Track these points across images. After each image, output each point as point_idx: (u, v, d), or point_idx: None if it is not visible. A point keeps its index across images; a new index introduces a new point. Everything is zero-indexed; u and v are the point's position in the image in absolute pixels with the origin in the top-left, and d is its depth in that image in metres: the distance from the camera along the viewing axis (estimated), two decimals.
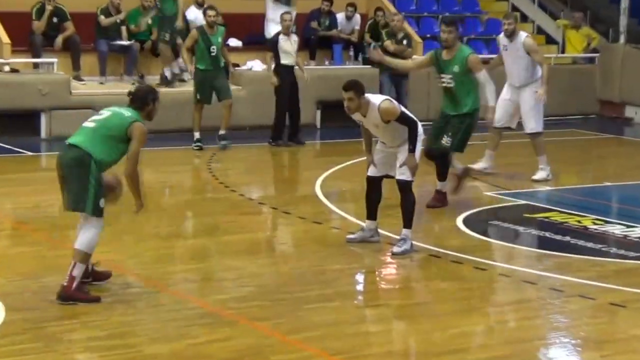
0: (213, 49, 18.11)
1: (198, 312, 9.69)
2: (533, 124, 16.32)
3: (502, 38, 16.61)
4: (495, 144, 16.65)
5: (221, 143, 18.32)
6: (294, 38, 18.95)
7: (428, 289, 11.01)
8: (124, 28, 21.20)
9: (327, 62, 22.39)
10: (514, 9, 26.58)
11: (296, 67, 19.09)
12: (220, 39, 18.39)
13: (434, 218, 14.06)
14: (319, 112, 21.53)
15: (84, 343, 8.58)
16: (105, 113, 9.96)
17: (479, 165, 16.54)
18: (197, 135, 18.43)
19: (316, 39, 22.41)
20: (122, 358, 8.22)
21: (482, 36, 24.53)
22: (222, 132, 18.38)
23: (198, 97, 18.39)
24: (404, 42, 20.83)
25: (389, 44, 20.56)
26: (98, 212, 9.50)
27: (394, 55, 19.53)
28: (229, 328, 9.19)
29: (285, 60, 18.78)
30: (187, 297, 10.18)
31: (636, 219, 13.85)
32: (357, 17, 22.48)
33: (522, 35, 16.47)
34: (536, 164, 16.42)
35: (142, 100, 9.97)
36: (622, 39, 24.54)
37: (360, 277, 11.58)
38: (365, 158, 12.31)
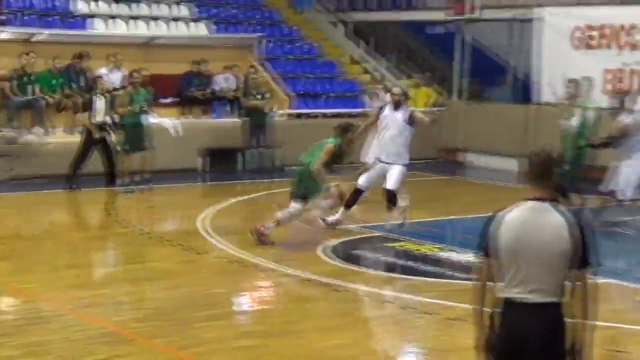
0: (136, 106, 17.85)
1: (101, 332, 9.58)
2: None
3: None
4: None
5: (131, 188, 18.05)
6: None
7: (299, 308, 11.01)
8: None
9: (209, 116, 22.31)
10: (375, 69, 26.88)
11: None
12: (142, 98, 18.07)
13: (303, 246, 14.02)
14: (201, 159, 21.32)
15: None
16: None
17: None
18: (127, 179, 18.10)
19: (191, 97, 22.22)
20: None
21: (342, 93, 24.70)
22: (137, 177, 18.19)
23: (127, 147, 18.04)
24: (265, 96, 21.16)
25: (250, 98, 20.91)
26: None
27: (254, 107, 20.49)
28: (128, 345, 9.12)
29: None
30: (92, 319, 10.06)
31: (472, 247, 13.96)
32: (236, 77, 22.45)
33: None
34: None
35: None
36: (463, 96, 25.04)
37: (241, 299, 11.58)
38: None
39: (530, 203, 5.86)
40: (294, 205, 13.80)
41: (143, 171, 18.27)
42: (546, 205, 5.83)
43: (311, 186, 13.81)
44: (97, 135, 18.14)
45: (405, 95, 15.57)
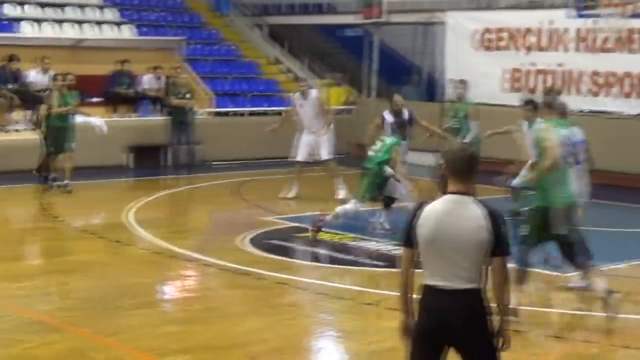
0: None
1: (31, 321, 9.49)
2: (326, 154, 17.16)
3: (297, 96, 17.20)
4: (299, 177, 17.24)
5: (57, 184, 17.39)
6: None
7: (219, 296, 11.05)
8: None
9: (135, 115, 22.14)
10: (289, 70, 26.88)
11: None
12: (72, 100, 17.45)
13: (222, 237, 14.03)
14: (127, 156, 21.11)
15: None
16: None
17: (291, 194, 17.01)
18: (53, 175, 17.42)
19: (119, 96, 21.99)
20: None
21: (263, 92, 24.71)
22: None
23: (52, 149, 17.33)
24: (187, 95, 20.96)
25: (173, 98, 20.73)
26: None
27: (178, 106, 20.47)
28: (57, 334, 9.06)
29: None
30: (22, 309, 9.94)
31: (385, 236, 13.96)
32: (160, 77, 22.33)
33: (314, 92, 17.25)
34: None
35: None
36: (372, 94, 25.19)
37: (164, 288, 11.54)
38: None
39: (450, 196, 5.93)
40: (356, 205, 13.95)
41: (64, 171, 17.61)
42: (466, 198, 5.90)
43: (384, 187, 13.83)
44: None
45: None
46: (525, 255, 9.99)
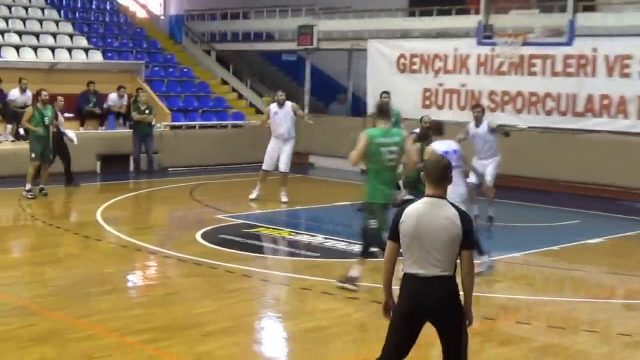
0: (46, 119, 16.74)
1: (12, 306, 9.47)
2: (287, 167, 16.92)
3: (273, 105, 16.98)
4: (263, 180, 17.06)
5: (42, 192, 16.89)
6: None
7: (177, 283, 11.02)
8: None
9: (102, 128, 21.90)
10: (234, 90, 26.81)
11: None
12: (50, 113, 16.90)
13: (180, 233, 14.03)
14: (98, 163, 20.88)
15: None
16: None
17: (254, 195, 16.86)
18: (28, 186, 16.66)
19: (88, 112, 21.60)
20: None
21: (212, 109, 24.64)
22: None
23: (33, 156, 16.71)
24: (147, 111, 20.71)
25: (135, 114, 20.55)
26: None
27: (141, 120, 20.32)
28: (36, 317, 9.03)
29: None
30: (4, 296, 9.91)
31: (319, 231, 14.12)
32: (124, 96, 22.10)
33: (289, 104, 16.93)
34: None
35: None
36: (305, 110, 25.22)
37: (130, 277, 11.49)
38: None
39: (428, 199, 6.04)
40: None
41: (43, 177, 17.12)
42: (442, 201, 6.02)
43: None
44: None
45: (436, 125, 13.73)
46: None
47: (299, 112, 17.63)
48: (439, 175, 6.07)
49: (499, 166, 14.91)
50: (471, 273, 6.07)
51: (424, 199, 6.07)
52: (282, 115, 16.81)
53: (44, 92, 17.09)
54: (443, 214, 5.98)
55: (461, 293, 6.06)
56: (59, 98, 18.06)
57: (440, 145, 11.00)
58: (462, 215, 6.03)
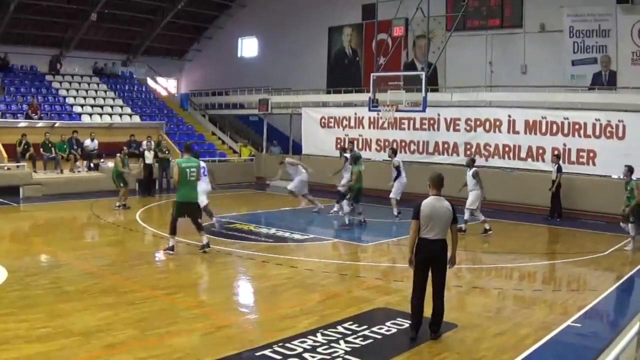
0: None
1: (86, 272, 9.15)
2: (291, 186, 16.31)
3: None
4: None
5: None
6: None
7: (185, 258, 10.54)
8: None
9: (142, 162, 21.27)
10: (220, 138, 26.28)
11: None
12: (126, 160, 16.61)
13: (186, 227, 13.24)
14: (137, 184, 20.18)
15: None
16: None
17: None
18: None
19: (131, 153, 20.79)
20: None
21: (206, 150, 24.16)
22: None
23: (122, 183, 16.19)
24: (167, 152, 20.36)
25: (159, 153, 20.15)
26: None
27: (163, 157, 19.69)
28: (99, 278, 8.84)
29: None
30: (82, 264, 9.59)
31: (274, 226, 13.97)
32: (153, 142, 21.60)
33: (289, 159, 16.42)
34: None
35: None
36: (264, 151, 25.26)
37: (156, 254, 10.89)
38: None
39: (434, 196, 6.56)
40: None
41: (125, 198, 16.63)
42: (441, 197, 6.57)
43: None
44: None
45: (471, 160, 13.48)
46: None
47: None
48: (438, 181, 6.57)
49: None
50: (455, 237, 6.56)
51: (432, 197, 6.52)
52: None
53: (125, 150, 16.90)
54: (444, 204, 6.47)
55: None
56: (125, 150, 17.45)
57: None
58: (451, 205, 6.52)
